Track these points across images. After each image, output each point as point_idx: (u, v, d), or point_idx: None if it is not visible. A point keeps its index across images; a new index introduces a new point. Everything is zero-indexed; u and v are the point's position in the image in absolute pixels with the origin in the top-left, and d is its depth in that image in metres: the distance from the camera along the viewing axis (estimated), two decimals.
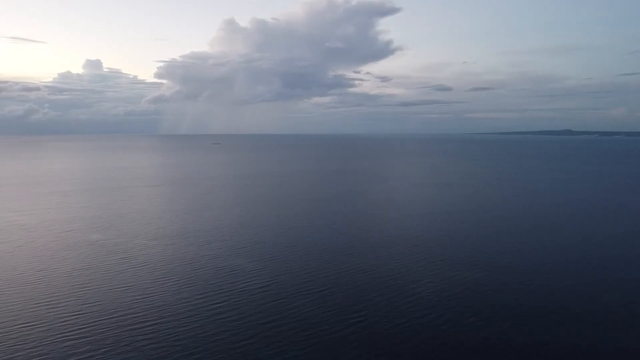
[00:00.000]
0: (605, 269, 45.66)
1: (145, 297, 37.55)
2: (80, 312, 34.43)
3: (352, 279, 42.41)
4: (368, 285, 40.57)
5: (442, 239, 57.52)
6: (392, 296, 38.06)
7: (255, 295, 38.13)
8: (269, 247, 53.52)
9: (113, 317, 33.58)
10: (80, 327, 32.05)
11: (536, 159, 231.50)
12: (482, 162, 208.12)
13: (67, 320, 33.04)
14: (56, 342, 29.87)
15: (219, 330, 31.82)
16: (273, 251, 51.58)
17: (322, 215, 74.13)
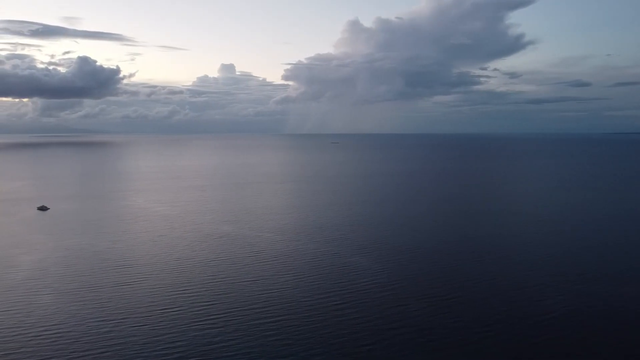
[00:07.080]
0: None
1: (269, 291, 38.96)
2: (211, 302, 36.73)
3: (477, 286, 39.89)
4: (493, 295, 37.84)
5: (580, 250, 51.91)
6: (519, 309, 35.00)
7: (374, 296, 37.58)
8: (389, 247, 52.63)
9: (239, 309, 35.27)
10: (210, 315, 34.15)
11: None
12: (627, 165, 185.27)
13: (198, 308, 35.44)
14: (187, 328, 32.14)
15: (338, 328, 31.78)
16: (394, 252, 50.60)
17: (447, 217, 71.24)
